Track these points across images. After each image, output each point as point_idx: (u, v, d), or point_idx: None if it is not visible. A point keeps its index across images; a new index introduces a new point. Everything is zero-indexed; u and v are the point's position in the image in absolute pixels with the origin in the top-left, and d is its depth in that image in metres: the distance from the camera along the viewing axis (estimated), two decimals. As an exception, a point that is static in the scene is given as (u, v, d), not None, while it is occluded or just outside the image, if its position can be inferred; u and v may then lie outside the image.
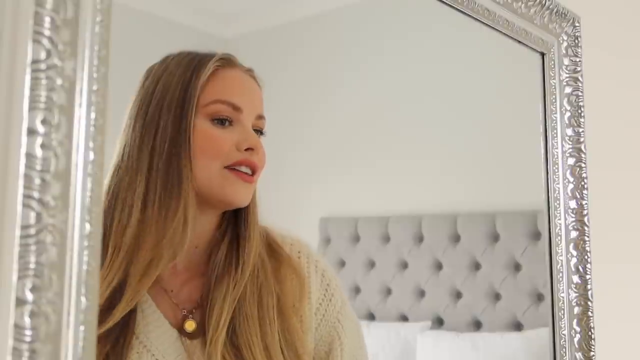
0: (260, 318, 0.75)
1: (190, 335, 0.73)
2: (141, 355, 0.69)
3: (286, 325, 0.76)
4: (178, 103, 0.72)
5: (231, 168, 0.73)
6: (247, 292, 0.75)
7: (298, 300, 0.79)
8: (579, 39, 1.20)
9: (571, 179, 1.16)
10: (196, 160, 0.71)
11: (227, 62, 0.77)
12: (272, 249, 0.81)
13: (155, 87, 0.73)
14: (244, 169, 0.74)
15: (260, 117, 0.78)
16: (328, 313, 0.82)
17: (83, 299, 0.45)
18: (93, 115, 0.46)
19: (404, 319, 1.50)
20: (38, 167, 0.43)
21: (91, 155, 0.46)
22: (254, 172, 0.75)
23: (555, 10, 1.15)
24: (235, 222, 0.78)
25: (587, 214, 1.15)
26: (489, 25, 1.06)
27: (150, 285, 0.70)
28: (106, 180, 0.71)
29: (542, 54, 1.17)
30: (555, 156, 1.15)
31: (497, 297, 1.44)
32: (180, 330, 0.73)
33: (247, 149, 0.74)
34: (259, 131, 0.78)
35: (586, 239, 1.15)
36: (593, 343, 1.13)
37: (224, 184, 0.73)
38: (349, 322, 0.84)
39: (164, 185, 0.70)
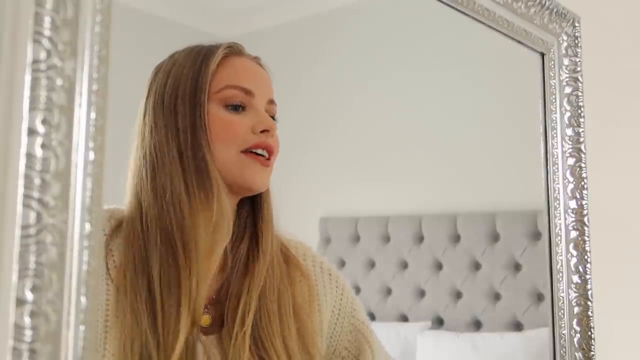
0: (280, 314, 0.75)
1: (205, 331, 0.73)
2: None
3: (299, 324, 0.77)
4: (191, 92, 0.72)
5: (248, 152, 0.74)
6: (267, 288, 0.75)
7: (307, 303, 0.80)
8: (579, 39, 1.20)
9: (571, 179, 1.16)
10: (214, 147, 0.72)
11: (235, 50, 0.78)
12: (282, 251, 0.81)
13: (167, 81, 0.73)
14: (260, 151, 0.74)
15: (272, 102, 0.79)
16: (342, 310, 0.84)
17: (83, 299, 0.45)
18: (93, 115, 0.46)
19: (404, 319, 1.50)
20: (38, 167, 0.43)
21: (91, 155, 0.46)
22: (270, 154, 0.75)
23: (555, 10, 1.15)
24: (253, 217, 0.79)
25: (587, 214, 1.15)
26: (489, 25, 1.06)
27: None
28: (135, 180, 0.71)
29: (542, 54, 1.17)
30: (555, 156, 1.16)
31: (497, 297, 1.44)
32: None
33: (262, 131, 0.74)
34: (271, 117, 0.78)
35: (586, 239, 1.15)
36: (593, 343, 1.13)
37: (242, 168, 0.73)
38: (367, 320, 0.86)
39: (198, 174, 0.70)
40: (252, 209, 0.79)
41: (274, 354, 0.72)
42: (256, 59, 0.80)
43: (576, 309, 1.13)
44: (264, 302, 0.74)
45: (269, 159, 0.75)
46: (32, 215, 0.42)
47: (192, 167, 0.71)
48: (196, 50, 0.76)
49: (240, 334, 0.71)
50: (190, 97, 0.72)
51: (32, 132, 0.43)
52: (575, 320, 1.13)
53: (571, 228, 1.15)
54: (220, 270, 0.76)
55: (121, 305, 0.66)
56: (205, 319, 0.73)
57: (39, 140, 0.43)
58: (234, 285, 0.74)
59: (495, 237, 1.47)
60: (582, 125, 1.17)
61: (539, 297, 1.37)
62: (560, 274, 1.13)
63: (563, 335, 1.12)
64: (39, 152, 0.43)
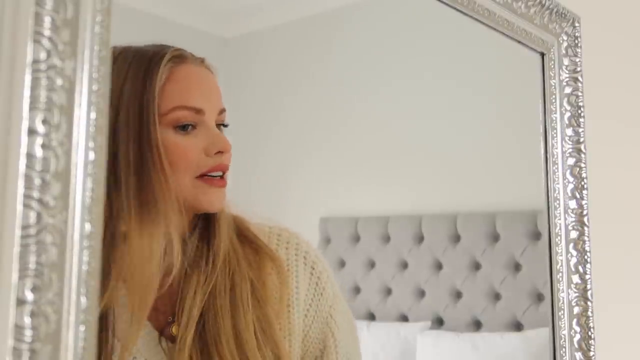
0: (233, 310, 0.71)
1: (173, 339, 0.70)
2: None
3: (262, 314, 0.73)
4: (134, 115, 0.66)
5: (203, 176, 0.70)
6: (217, 284, 0.71)
7: (278, 298, 0.75)
8: (579, 39, 1.20)
9: (571, 179, 1.16)
10: (169, 174, 0.67)
11: (179, 59, 0.71)
12: (247, 238, 0.77)
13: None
14: (215, 173, 0.71)
15: (222, 110, 0.74)
16: (320, 309, 0.79)
17: (83, 299, 0.45)
18: (93, 115, 0.46)
19: (404, 319, 1.50)
20: (38, 167, 0.43)
21: (91, 155, 0.46)
22: (224, 173, 0.72)
23: (555, 10, 1.15)
24: (205, 215, 0.74)
25: (587, 214, 1.15)
26: (489, 25, 1.06)
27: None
28: None
29: (542, 54, 1.17)
30: (555, 156, 1.15)
31: (497, 297, 1.44)
32: (162, 332, 0.71)
33: (217, 153, 0.70)
34: (222, 124, 0.74)
35: (586, 239, 1.15)
36: (593, 343, 1.13)
37: (197, 195, 0.69)
38: (341, 316, 0.81)
39: (140, 205, 0.65)
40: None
41: (219, 354, 0.68)
42: (201, 62, 0.74)
43: (576, 309, 1.13)
44: (215, 301, 0.70)
45: (223, 176, 0.71)
46: (32, 215, 0.42)
47: (133, 195, 0.65)
48: (137, 60, 0.68)
49: (182, 338, 0.68)
50: (135, 121, 0.66)
51: (32, 132, 0.43)
52: (575, 320, 1.13)
53: (571, 228, 1.15)
54: (176, 275, 0.71)
55: None
56: (176, 328, 0.70)
57: (39, 140, 0.43)
58: (183, 288, 0.70)
59: (495, 237, 1.47)
60: (582, 125, 1.17)
61: (539, 297, 1.37)
62: (560, 274, 1.13)
63: (563, 335, 1.12)
64: (39, 152, 0.43)
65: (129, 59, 0.68)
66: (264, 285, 0.75)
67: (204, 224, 0.74)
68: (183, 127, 0.69)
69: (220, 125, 0.74)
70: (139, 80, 0.67)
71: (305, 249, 0.80)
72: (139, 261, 0.65)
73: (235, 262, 0.73)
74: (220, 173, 0.71)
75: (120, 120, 0.65)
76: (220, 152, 0.70)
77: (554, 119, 1.16)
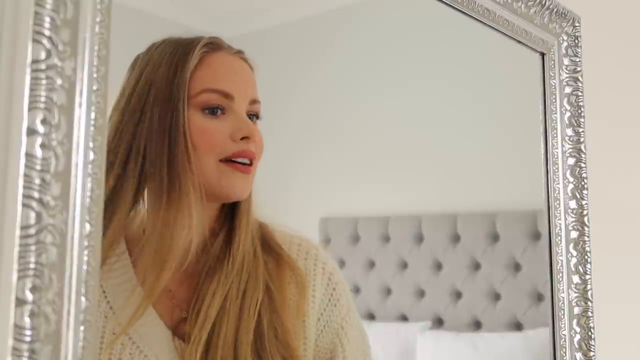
0: (240, 315, 0.71)
1: (185, 338, 0.70)
2: (134, 357, 0.67)
3: (279, 322, 0.73)
4: (165, 97, 0.68)
5: (227, 160, 0.70)
6: (232, 288, 0.72)
7: (295, 304, 0.76)
8: (579, 39, 1.20)
9: (571, 179, 1.16)
10: (191, 155, 0.68)
11: (214, 46, 0.73)
12: (270, 246, 0.78)
13: (138, 79, 0.70)
14: (240, 159, 0.71)
15: (254, 101, 0.75)
16: (332, 318, 0.79)
17: (83, 299, 0.45)
18: (93, 115, 0.46)
19: (404, 319, 1.50)
20: (38, 167, 0.43)
21: (91, 155, 0.46)
22: (251, 161, 0.72)
23: (555, 10, 1.15)
24: (232, 215, 0.75)
25: (587, 214, 1.15)
26: (489, 25, 1.06)
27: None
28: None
29: (542, 54, 1.17)
30: (555, 156, 1.16)
31: (497, 297, 1.44)
32: (175, 331, 0.70)
33: (242, 139, 0.71)
34: (255, 115, 0.75)
35: (586, 239, 1.15)
36: (593, 343, 1.13)
37: (220, 178, 0.70)
38: (353, 331, 0.81)
39: (160, 186, 0.67)
40: (232, 209, 0.75)
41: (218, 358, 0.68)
42: (239, 53, 0.76)
43: (576, 309, 1.13)
44: (225, 304, 0.70)
45: (250, 164, 0.72)
46: (32, 215, 0.42)
47: (150, 175, 0.68)
48: (172, 47, 0.71)
49: (197, 338, 0.68)
50: (164, 102, 0.68)
51: (32, 132, 0.43)
52: (575, 320, 1.13)
53: (571, 228, 1.15)
54: (194, 272, 0.73)
55: None
56: (190, 326, 0.69)
57: (39, 140, 0.43)
58: (202, 286, 0.71)
59: (495, 237, 1.47)
60: (582, 125, 1.17)
61: (539, 297, 1.37)
62: (560, 274, 1.13)
63: (563, 336, 1.12)
64: (39, 152, 0.43)
65: (168, 46, 0.72)
66: (283, 294, 0.75)
67: (230, 226, 0.75)
68: (212, 111, 0.70)
69: (253, 116, 0.75)
70: (172, 65, 0.69)
71: (324, 260, 0.80)
72: (162, 232, 0.68)
73: (253, 268, 0.74)
74: (246, 160, 0.72)
75: (150, 100, 0.68)
76: (246, 138, 0.71)
77: (554, 119, 1.16)
